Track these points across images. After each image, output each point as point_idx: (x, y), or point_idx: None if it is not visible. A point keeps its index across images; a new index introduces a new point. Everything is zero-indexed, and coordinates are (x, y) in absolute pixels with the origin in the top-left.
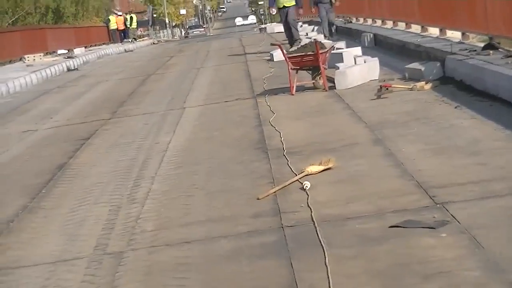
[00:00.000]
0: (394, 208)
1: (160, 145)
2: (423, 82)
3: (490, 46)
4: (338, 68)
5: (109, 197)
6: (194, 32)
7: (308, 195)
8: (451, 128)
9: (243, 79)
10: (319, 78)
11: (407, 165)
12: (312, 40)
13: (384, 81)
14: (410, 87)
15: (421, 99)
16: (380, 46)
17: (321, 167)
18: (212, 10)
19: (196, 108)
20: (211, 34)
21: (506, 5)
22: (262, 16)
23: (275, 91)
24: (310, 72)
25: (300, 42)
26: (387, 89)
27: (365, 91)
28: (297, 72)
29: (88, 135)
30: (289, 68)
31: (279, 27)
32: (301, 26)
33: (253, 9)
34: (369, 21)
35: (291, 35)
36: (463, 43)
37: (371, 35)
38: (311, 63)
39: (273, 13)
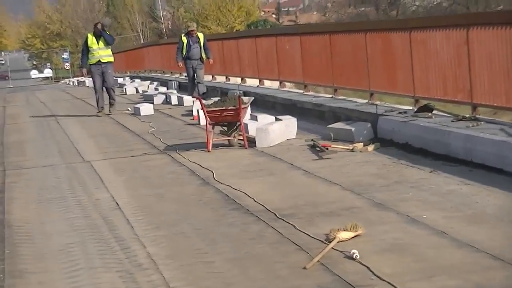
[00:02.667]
0: (489, 284)
1: (104, 202)
2: (361, 144)
3: (425, 109)
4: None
5: (103, 261)
6: None
7: (367, 266)
8: (454, 194)
9: (125, 133)
10: (236, 134)
11: (452, 233)
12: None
13: (312, 140)
14: (351, 148)
15: (375, 161)
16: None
17: (351, 233)
18: None
19: (102, 162)
20: (10, 86)
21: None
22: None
23: (182, 146)
24: (225, 128)
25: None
26: (327, 149)
27: (293, 150)
28: (213, 128)
29: None
30: (207, 122)
31: None
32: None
33: (34, 63)
34: (231, 79)
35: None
36: (374, 104)
37: (240, 92)
38: (231, 118)
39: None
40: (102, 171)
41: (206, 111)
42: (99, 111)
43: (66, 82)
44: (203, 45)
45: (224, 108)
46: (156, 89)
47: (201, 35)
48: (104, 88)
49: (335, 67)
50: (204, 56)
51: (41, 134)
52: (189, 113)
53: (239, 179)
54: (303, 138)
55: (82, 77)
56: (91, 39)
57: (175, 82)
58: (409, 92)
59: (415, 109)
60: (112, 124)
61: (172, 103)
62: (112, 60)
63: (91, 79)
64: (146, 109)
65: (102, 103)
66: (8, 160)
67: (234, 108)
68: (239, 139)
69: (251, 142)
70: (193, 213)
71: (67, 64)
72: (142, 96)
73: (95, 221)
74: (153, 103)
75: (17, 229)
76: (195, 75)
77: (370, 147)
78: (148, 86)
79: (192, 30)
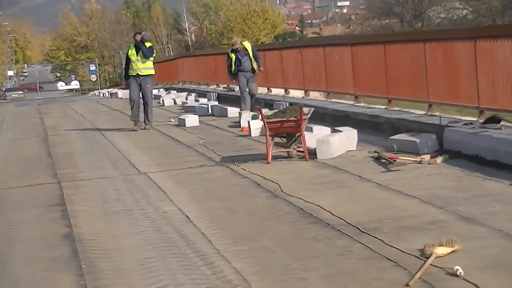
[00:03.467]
0: None
1: (173, 215)
2: (428, 156)
3: (492, 120)
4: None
5: (189, 277)
6: (12, 95)
7: (475, 284)
8: None
9: (175, 144)
10: (295, 146)
11: None
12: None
13: (376, 152)
14: (418, 160)
15: (447, 173)
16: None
17: (448, 249)
18: (16, 73)
19: (159, 173)
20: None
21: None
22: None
23: (239, 158)
24: (284, 139)
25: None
26: (394, 161)
27: (357, 162)
28: (273, 139)
29: (57, 201)
30: (267, 134)
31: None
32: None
33: (58, 75)
34: (273, 91)
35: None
36: (434, 115)
37: (287, 103)
38: (292, 129)
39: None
40: (162, 183)
41: (267, 122)
42: (133, 121)
43: (95, 94)
44: (253, 55)
45: (285, 119)
46: (196, 100)
47: (248, 46)
48: (141, 102)
49: (389, 77)
50: (255, 66)
51: (88, 146)
52: (236, 124)
53: (309, 191)
54: (364, 150)
55: (113, 89)
56: (131, 51)
57: (214, 93)
58: (473, 103)
59: (482, 120)
60: (159, 136)
61: (216, 115)
62: (153, 73)
63: (124, 90)
64: (191, 120)
65: (136, 112)
66: (61, 172)
67: (295, 119)
68: (298, 151)
69: (311, 154)
70: (270, 226)
71: (93, 76)
72: (182, 108)
73: (168, 235)
74: (196, 114)
75: (88, 243)
76: (249, 88)
77: (439, 159)
78: (187, 97)
79: (237, 47)
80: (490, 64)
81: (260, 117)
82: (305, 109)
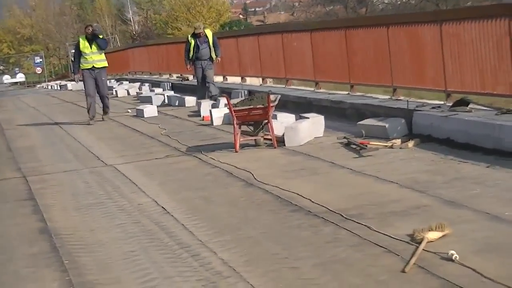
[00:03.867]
0: None
1: (148, 207)
2: (398, 140)
3: (461, 103)
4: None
5: (176, 270)
6: None
7: (472, 268)
8: None
9: (137, 135)
10: (262, 133)
11: None
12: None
13: (345, 138)
14: (389, 144)
15: (421, 157)
16: None
17: (439, 233)
18: None
19: (126, 165)
20: None
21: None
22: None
23: (205, 148)
24: (251, 127)
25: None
26: (366, 146)
27: (327, 148)
28: (240, 127)
29: (25, 195)
30: (234, 122)
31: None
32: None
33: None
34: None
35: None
36: (399, 99)
37: (245, 92)
38: (260, 117)
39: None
40: (131, 175)
41: (234, 110)
42: (90, 119)
43: (43, 87)
44: (213, 43)
45: (252, 107)
46: (151, 90)
47: (209, 33)
48: (97, 95)
49: (352, 63)
50: (213, 55)
51: (47, 139)
52: (195, 113)
53: (283, 179)
54: (331, 136)
55: (61, 81)
56: (83, 43)
57: (168, 83)
58: (440, 86)
59: (450, 104)
60: (119, 127)
61: (173, 104)
62: (106, 65)
63: (74, 82)
64: (150, 110)
65: (94, 111)
66: (24, 166)
67: (262, 106)
68: (265, 139)
69: (279, 141)
70: (251, 216)
71: (39, 68)
72: (137, 98)
73: (148, 227)
74: (152, 105)
75: (66, 237)
76: (205, 76)
77: (410, 143)
78: (140, 87)
79: (200, 32)
80: (457, 48)
81: (227, 105)
82: (272, 97)
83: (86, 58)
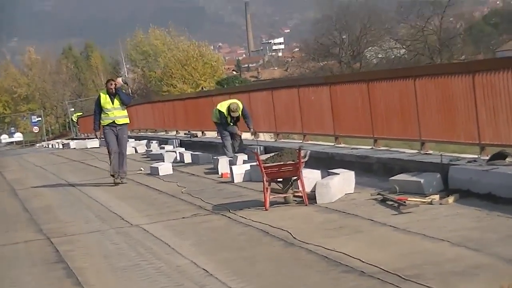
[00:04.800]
0: None
1: (188, 268)
2: (436, 196)
3: (499, 156)
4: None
5: None
6: None
7: None
8: None
9: (156, 194)
10: (291, 190)
11: None
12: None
13: (380, 194)
14: (429, 200)
15: (464, 213)
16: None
17: None
18: None
19: (152, 225)
20: None
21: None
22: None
23: (232, 206)
24: (280, 184)
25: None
26: (404, 202)
27: (361, 205)
28: (269, 185)
29: (54, 258)
30: (264, 179)
31: (90, 143)
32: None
33: None
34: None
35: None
36: (428, 153)
37: (261, 148)
38: (290, 173)
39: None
40: (160, 235)
41: (264, 167)
42: (114, 176)
43: (43, 146)
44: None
45: (282, 163)
46: (162, 147)
47: (240, 106)
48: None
49: (375, 116)
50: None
51: (63, 199)
52: (212, 171)
53: (324, 238)
54: (362, 193)
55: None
56: (105, 98)
57: (175, 139)
58: (473, 140)
59: (488, 157)
60: (136, 186)
61: (186, 161)
62: (128, 122)
63: (76, 141)
64: (164, 168)
65: (117, 168)
66: (45, 227)
67: (293, 162)
68: (295, 196)
69: (309, 198)
70: (300, 276)
71: (36, 127)
72: (146, 156)
73: None
74: (164, 162)
75: None
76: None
77: (450, 199)
78: (148, 145)
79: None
80: (490, 98)
81: (256, 162)
82: (302, 152)
83: (107, 114)
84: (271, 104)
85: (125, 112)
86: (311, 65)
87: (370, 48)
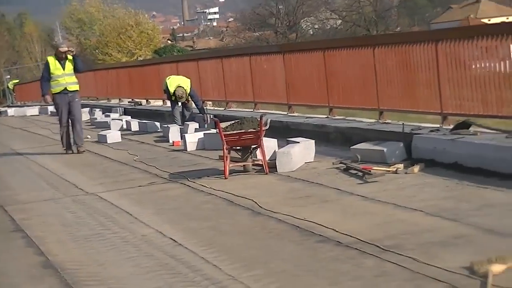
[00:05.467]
0: None
1: (155, 238)
2: (401, 165)
3: (463, 125)
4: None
5: None
6: None
7: None
8: None
9: (108, 162)
10: (251, 159)
11: None
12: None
13: (342, 163)
14: (394, 169)
15: (432, 182)
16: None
17: (502, 266)
18: None
19: (109, 193)
20: None
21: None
22: None
23: (190, 174)
24: (240, 153)
25: None
26: (369, 172)
27: (324, 174)
28: (229, 153)
29: (11, 226)
30: (224, 147)
31: (30, 110)
32: None
33: None
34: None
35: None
36: (386, 122)
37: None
38: (251, 141)
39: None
40: (119, 204)
41: (224, 134)
42: (66, 149)
43: None
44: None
45: (243, 131)
46: (107, 115)
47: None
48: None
49: (331, 85)
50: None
51: (12, 166)
52: (161, 139)
53: (291, 207)
54: (322, 161)
55: None
56: (54, 64)
57: (119, 108)
58: (435, 109)
59: (451, 126)
60: (85, 154)
61: (133, 130)
62: (79, 89)
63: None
64: (112, 136)
65: (69, 140)
66: None
67: (254, 130)
68: (255, 164)
69: (270, 167)
70: (274, 247)
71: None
72: (91, 123)
73: (164, 261)
74: (112, 130)
75: (75, 272)
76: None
77: (416, 168)
78: (92, 113)
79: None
80: (454, 68)
81: (216, 129)
82: (263, 119)
83: (58, 80)
84: (221, 73)
85: (75, 79)
86: (247, 35)
87: (306, 18)
